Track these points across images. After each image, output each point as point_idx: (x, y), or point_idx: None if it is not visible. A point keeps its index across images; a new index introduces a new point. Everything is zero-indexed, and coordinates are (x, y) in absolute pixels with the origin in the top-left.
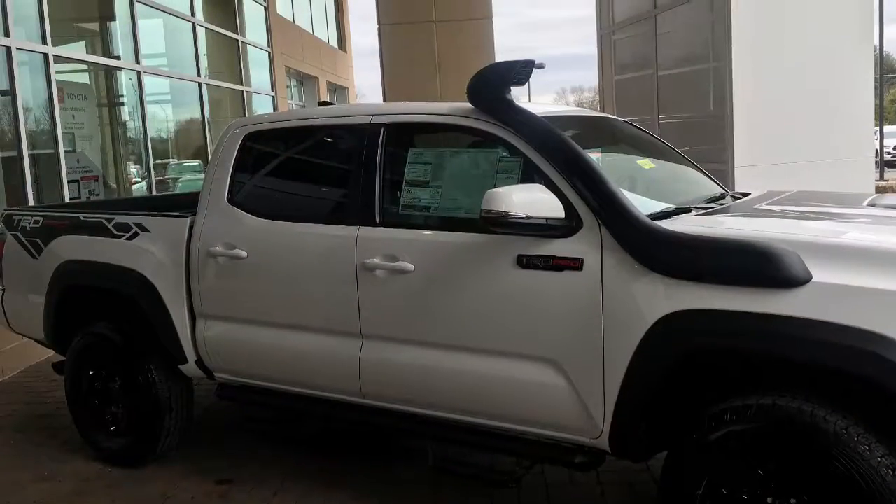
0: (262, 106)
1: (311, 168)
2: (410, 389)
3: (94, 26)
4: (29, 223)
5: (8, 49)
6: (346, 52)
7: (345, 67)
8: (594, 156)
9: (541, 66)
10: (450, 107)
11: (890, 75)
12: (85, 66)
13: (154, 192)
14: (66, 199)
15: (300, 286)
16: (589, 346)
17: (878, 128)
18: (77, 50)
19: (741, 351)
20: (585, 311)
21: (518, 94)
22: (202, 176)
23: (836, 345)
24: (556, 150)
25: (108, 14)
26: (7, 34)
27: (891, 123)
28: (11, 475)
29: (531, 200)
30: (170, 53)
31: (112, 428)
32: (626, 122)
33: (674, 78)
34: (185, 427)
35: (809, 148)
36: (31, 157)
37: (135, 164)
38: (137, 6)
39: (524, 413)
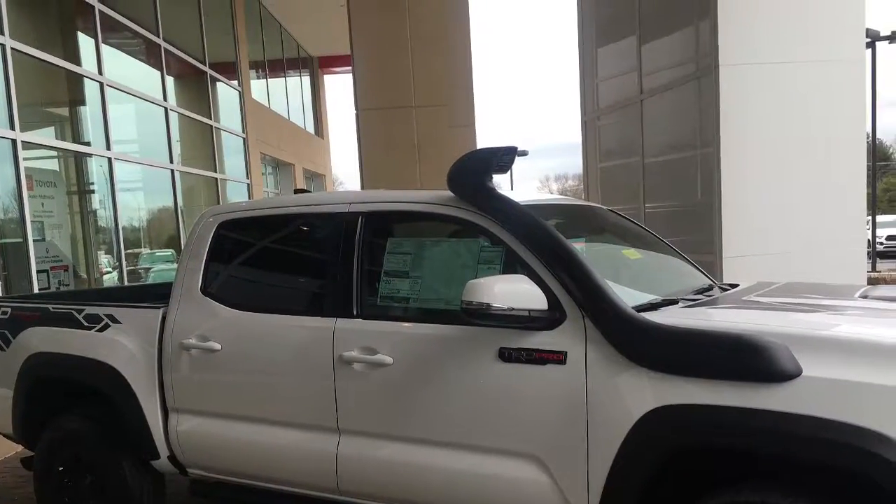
0: (236, 193)
1: (287, 258)
2: (389, 486)
3: (64, 111)
4: None
5: None
6: (322, 138)
7: (322, 154)
8: (578, 246)
9: (523, 154)
10: (429, 195)
11: (882, 163)
12: (54, 153)
13: (125, 283)
14: (35, 290)
15: (276, 379)
16: (572, 442)
17: (870, 217)
18: (46, 136)
19: (729, 447)
20: (569, 405)
21: (500, 182)
22: (175, 266)
23: (828, 441)
24: (539, 239)
25: (78, 99)
26: None
27: (883, 213)
28: None
29: (513, 292)
30: (141, 139)
31: None
32: (611, 210)
33: (660, 165)
34: None
35: (800, 238)
36: None
37: (106, 253)
38: (108, 91)
39: None
